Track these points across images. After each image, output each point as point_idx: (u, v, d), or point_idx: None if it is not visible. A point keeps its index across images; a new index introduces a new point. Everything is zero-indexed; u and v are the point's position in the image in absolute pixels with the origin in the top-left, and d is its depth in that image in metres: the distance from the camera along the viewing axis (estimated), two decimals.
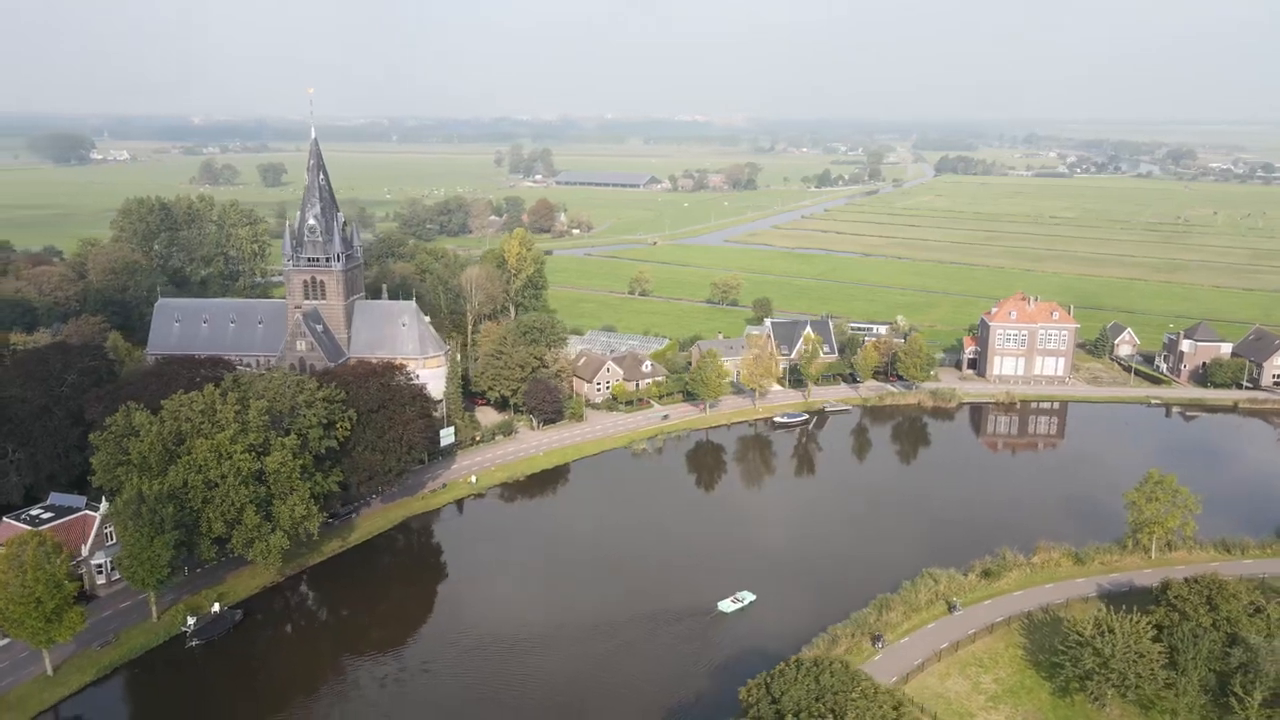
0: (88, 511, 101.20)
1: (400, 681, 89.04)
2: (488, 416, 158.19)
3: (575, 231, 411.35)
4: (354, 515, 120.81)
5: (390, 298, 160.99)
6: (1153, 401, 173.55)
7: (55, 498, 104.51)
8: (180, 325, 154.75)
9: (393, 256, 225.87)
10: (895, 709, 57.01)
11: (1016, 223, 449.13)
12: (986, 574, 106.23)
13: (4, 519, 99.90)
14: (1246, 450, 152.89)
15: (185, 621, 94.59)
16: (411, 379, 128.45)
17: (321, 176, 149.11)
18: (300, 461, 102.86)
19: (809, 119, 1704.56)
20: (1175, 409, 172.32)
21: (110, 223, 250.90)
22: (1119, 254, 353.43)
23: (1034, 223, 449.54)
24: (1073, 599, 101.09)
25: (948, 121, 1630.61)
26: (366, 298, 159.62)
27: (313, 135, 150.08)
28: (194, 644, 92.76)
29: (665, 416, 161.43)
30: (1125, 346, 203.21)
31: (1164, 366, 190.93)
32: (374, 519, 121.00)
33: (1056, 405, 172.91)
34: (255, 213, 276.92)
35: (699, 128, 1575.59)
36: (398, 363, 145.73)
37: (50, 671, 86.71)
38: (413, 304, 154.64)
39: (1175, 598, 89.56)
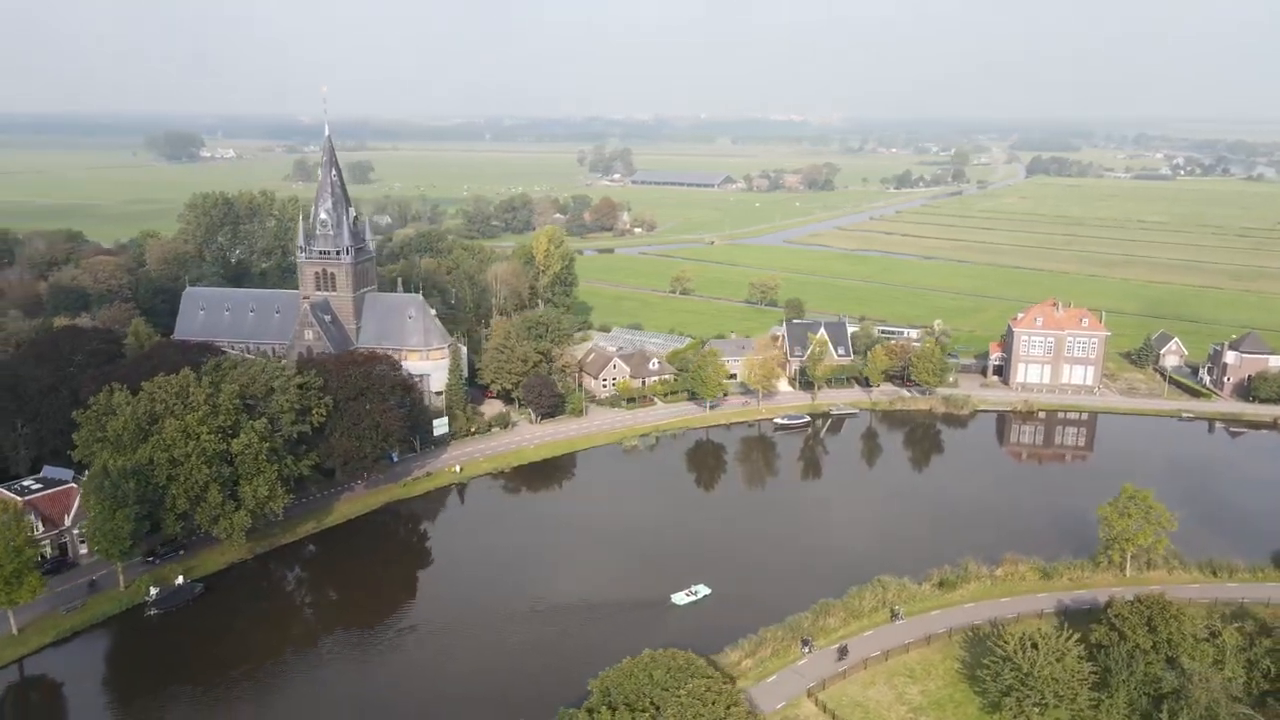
0: (73, 484, 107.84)
1: (334, 656, 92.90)
2: (495, 409, 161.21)
3: (638, 230, 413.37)
4: (336, 498, 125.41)
5: (406, 290, 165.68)
6: (1184, 415, 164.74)
7: (48, 470, 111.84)
8: (205, 313, 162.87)
9: (431, 251, 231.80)
10: (726, 709, 56.53)
11: (1099, 227, 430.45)
12: (942, 584, 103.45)
13: None
14: (1269, 470, 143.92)
15: (148, 592, 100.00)
16: (398, 370, 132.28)
17: (334, 173, 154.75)
18: (268, 444, 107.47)
19: (906, 118, 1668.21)
20: (1210, 424, 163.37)
21: (178, 217, 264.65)
22: (1201, 260, 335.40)
23: (1118, 227, 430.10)
24: (1026, 614, 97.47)
25: (1052, 121, 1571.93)
26: (380, 290, 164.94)
27: (326, 133, 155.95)
28: (153, 613, 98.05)
29: (713, 406, 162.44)
30: (1172, 357, 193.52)
31: (1207, 379, 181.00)
32: (353, 503, 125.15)
33: (1078, 416, 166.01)
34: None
35: (794, 127, 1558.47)
36: (403, 354, 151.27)
37: (15, 631, 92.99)
38: (419, 297, 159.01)
39: (1115, 617, 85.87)
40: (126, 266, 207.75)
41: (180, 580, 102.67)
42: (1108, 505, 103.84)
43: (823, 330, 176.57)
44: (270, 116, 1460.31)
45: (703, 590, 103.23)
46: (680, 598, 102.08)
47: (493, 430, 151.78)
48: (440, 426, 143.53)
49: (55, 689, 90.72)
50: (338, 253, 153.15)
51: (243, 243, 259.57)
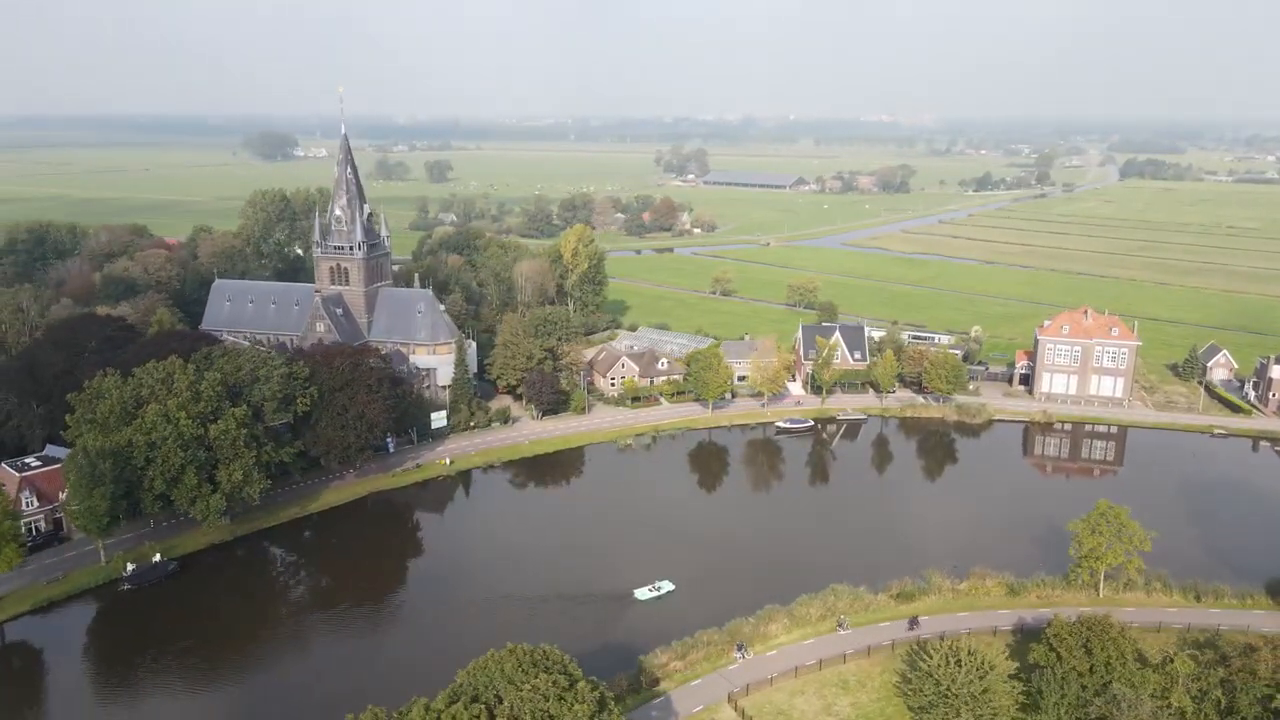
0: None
1: (297, 634, 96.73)
2: (505, 403, 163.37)
3: (696, 231, 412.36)
4: (325, 486, 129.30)
5: (422, 286, 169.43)
6: (1216, 431, 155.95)
7: (50, 449, 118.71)
8: (230, 305, 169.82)
9: (468, 249, 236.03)
10: (571, 707, 56.42)
11: (1180, 232, 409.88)
12: (900, 596, 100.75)
13: (1, 463, 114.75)
14: None
15: (124, 567, 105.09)
16: (388, 363, 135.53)
17: (349, 171, 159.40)
18: (248, 431, 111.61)
19: (1000, 118, 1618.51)
20: (1254, 442, 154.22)
21: (239, 212, 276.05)
22: None
23: (1202, 233, 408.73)
24: (980, 630, 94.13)
25: (1158, 121, 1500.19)
26: (395, 285, 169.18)
27: (342, 132, 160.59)
28: (126, 588, 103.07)
29: (764, 405, 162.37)
30: (1220, 370, 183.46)
31: (1252, 394, 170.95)
32: (340, 491, 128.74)
33: (1100, 429, 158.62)
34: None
35: (882, 128, 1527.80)
36: (411, 348, 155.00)
37: None
38: (428, 293, 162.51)
39: (1054, 637, 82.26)
40: (179, 260, 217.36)
41: (157, 558, 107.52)
42: (1079, 521, 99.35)
43: (837, 334, 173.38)
44: (369, 118, 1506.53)
45: (667, 586, 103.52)
46: (643, 593, 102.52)
47: (493, 425, 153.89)
48: (438, 420, 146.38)
49: (35, 654, 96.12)
50: (351, 248, 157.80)
51: (300, 238, 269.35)
